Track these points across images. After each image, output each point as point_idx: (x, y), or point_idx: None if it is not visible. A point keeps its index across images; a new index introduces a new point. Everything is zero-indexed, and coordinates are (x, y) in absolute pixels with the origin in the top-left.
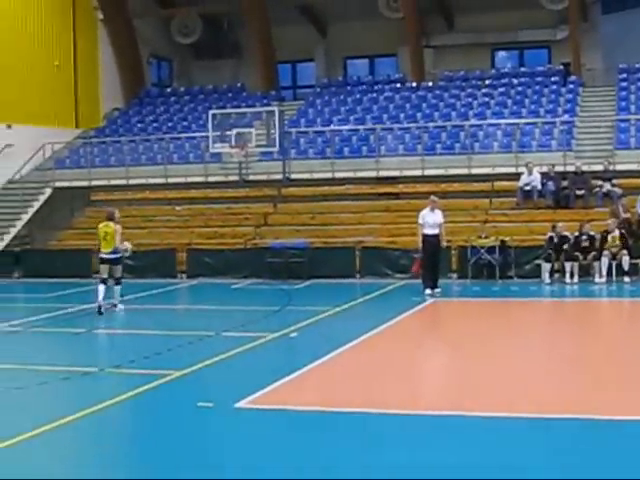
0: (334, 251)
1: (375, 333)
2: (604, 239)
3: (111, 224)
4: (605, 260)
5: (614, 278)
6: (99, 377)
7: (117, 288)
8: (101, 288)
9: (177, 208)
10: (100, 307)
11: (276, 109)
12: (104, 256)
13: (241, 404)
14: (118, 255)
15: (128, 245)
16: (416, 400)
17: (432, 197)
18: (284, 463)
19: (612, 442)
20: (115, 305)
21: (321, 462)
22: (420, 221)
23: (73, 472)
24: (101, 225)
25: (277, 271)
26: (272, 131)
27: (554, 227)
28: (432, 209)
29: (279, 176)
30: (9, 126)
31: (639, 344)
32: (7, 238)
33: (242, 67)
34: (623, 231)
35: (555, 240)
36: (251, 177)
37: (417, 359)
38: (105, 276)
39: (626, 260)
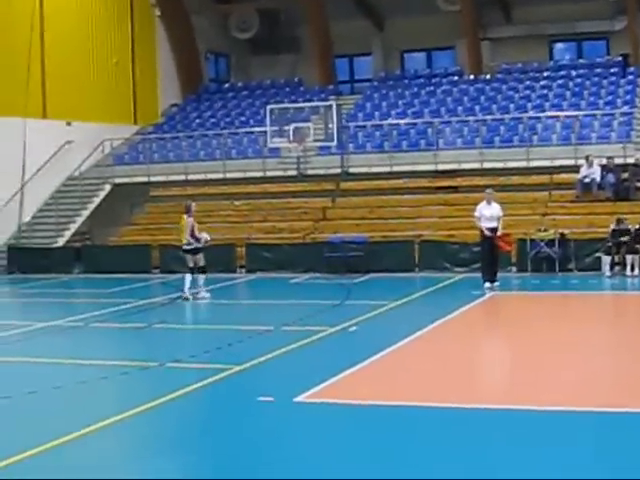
0: (392, 245)
1: (435, 327)
2: None
3: (184, 217)
4: None
5: None
6: (159, 372)
7: (200, 277)
8: (187, 277)
9: (236, 203)
10: (184, 295)
11: (334, 103)
12: (183, 247)
13: (300, 398)
14: (192, 246)
15: (205, 235)
16: (476, 394)
17: (487, 190)
18: (343, 458)
19: None
20: (198, 294)
21: (380, 457)
22: (476, 214)
23: (133, 467)
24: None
25: (335, 265)
26: (330, 125)
27: (619, 221)
28: (488, 202)
29: (337, 170)
30: (69, 123)
31: None
32: (67, 234)
33: (299, 62)
34: None
35: (618, 234)
36: (309, 171)
37: (477, 353)
38: (191, 265)
39: None
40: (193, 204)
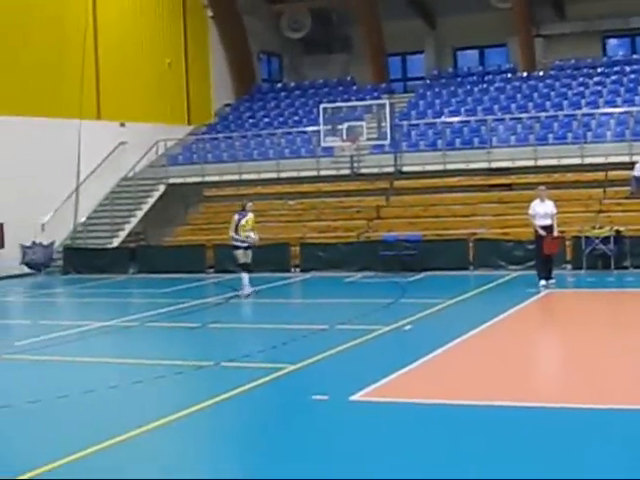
0: (447, 243)
1: (491, 325)
2: None
3: (235, 215)
4: None
5: None
6: (214, 371)
7: (242, 275)
8: (243, 275)
9: (290, 202)
10: (244, 293)
11: (387, 102)
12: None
13: (356, 397)
14: (236, 243)
15: (253, 236)
16: (532, 393)
17: (540, 187)
18: (398, 456)
19: None
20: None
21: (435, 456)
22: (531, 212)
23: (190, 465)
24: None
25: (390, 264)
26: (383, 124)
27: None
28: (542, 200)
29: (391, 169)
30: (122, 124)
31: None
32: (122, 234)
33: (352, 61)
34: None
35: None
36: (363, 170)
37: (532, 351)
38: (242, 261)
39: None
40: (249, 204)
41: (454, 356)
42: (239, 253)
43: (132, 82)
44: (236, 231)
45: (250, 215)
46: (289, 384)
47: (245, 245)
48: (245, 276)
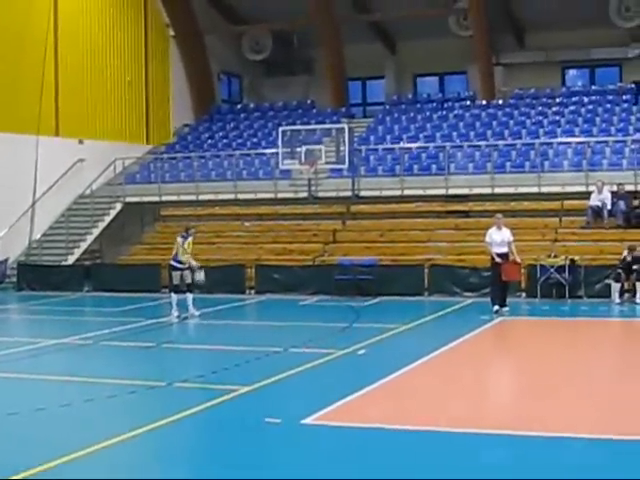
0: (403, 269)
1: (444, 351)
2: None
3: (178, 238)
4: None
5: None
6: (166, 391)
7: (188, 295)
8: (173, 296)
9: (246, 224)
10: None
11: (346, 126)
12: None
13: (308, 420)
14: (178, 265)
15: (193, 263)
16: (483, 419)
17: (497, 215)
18: None
19: None
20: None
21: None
22: (487, 239)
23: None
24: None
25: (345, 288)
26: (342, 148)
27: (632, 249)
28: (498, 227)
29: (348, 193)
30: (81, 141)
31: None
32: (77, 252)
33: (312, 84)
34: None
35: (628, 260)
36: (320, 194)
37: (485, 378)
38: (176, 282)
39: None
40: (192, 230)
41: (407, 381)
42: (176, 275)
43: (91, 99)
44: (177, 254)
45: (190, 238)
46: (242, 406)
47: (186, 267)
48: (175, 297)
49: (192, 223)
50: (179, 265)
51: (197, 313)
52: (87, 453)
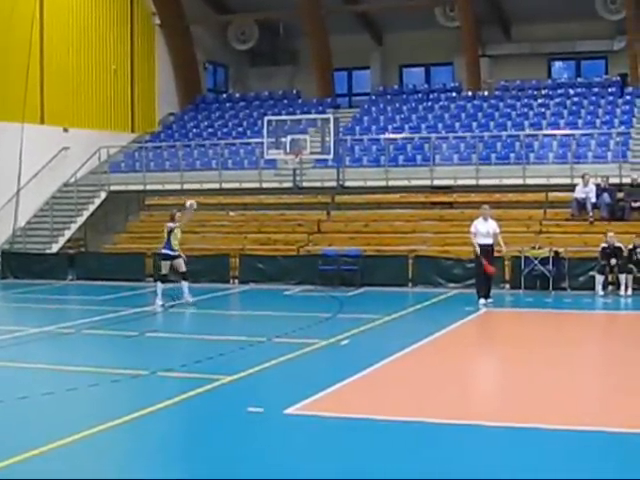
0: (387, 259)
1: (427, 342)
2: None
3: (168, 224)
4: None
5: None
6: (149, 380)
7: (183, 283)
8: (159, 285)
9: (231, 214)
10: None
11: (331, 116)
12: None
13: (291, 410)
14: (171, 252)
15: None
16: (465, 410)
17: (484, 206)
18: (329, 471)
19: None
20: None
21: (367, 471)
22: (473, 230)
23: (117, 475)
24: None
25: (329, 278)
26: (327, 138)
27: (609, 239)
28: (485, 218)
29: (333, 183)
30: (66, 129)
31: None
32: (62, 241)
33: (298, 74)
34: None
35: (608, 251)
36: (305, 184)
37: (467, 369)
38: (163, 272)
39: None
40: (178, 213)
41: (389, 372)
42: (166, 264)
43: (77, 88)
44: (168, 241)
45: (178, 224)
46: (225, 395)
47: (177, 254)
48: (161, 286)
49: (176, 210)
50: (171, 253)
51: (192, 300)
52: (70, 441)
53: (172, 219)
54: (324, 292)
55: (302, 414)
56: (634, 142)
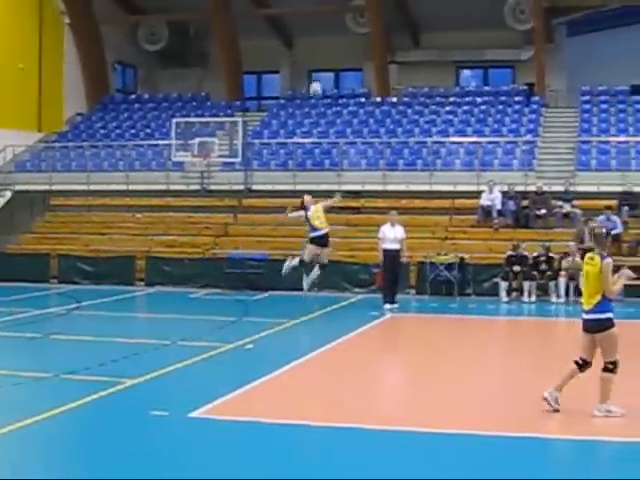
0: None
1: (332, 346)
2: (562, 259)
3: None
4: (562, 280)
5: (572, 298)
6: (53, 383)
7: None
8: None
9: (137, 215)
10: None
11: (240, 120)
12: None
13: (195, 414)
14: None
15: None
16: (366, 414)
17: (392, 212)
18: (232, 474)
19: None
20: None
21: (270, 474)
22: (380, 236)
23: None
24: None
25: (235, 282)
26: (235, 141)
27: (516, 246)
28: (392, 224)
29: (240, 187)
30: None
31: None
32: None
33: (207, 76)
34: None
35: (514, 259)
36: (212, 187)
37: (372, 373)
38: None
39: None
40: (307, 197)
41: (293, 376)
42: (312, 248)
43: None
44: (312, 224)
45: (313, 207)
46: (128, 399)
47: (322, 234)
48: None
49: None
50: (318, 233)
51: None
52: None
53: (302, 205)
54: (230, 296)
55: (206, 417)
56: (540, 151)
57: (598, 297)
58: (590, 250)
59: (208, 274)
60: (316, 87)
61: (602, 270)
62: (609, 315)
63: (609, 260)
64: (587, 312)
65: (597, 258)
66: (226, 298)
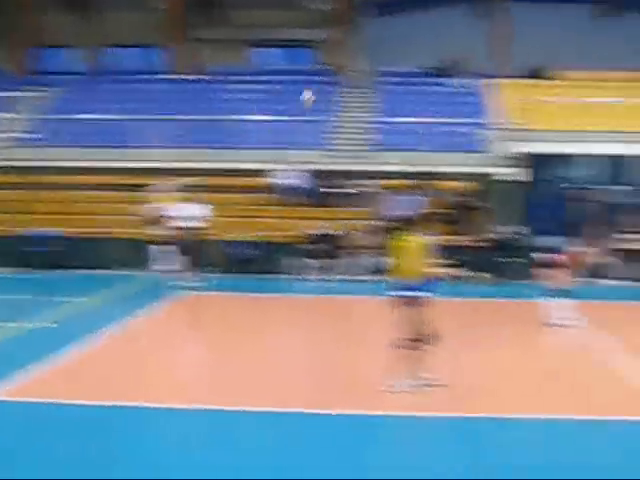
0: (90, 242)
1: (127, 325)
2: (349, 238)
3: None
4: (363, 258)
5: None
6: None
7: None
8: None
9: None
10: None
11: (34, 94)
12: None
13: None
14: None
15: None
16: (159, 393)
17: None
18: (23, 455)
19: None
20: None
21: (57, 456)
22: (175, 213)
23: None
24: None
25: (32, 260)
26: (29, 117)
27: (320, 227)
28: (188, 202)
29: (35, 163)
30: None
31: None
32: None
33: (1, 50)
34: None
35: (316, 237)
36: (6, 163)
37: (167, 352)
38: None
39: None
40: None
41: (92, 356)
42: None
43: None
44: None
45: None
46: None
47: None
48: None
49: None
50: None
51: None
52: None
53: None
54: (26, 274)
55: (1, 400)
56: (337, 130)
57: (412, 274)
58: (399, 228)
59: (3, 252)
60: (308, 96)
61: (418, 247)
62: (420, 292)
63: (426, 238)
64: (401, 289)
65: (412, 236)
66: (22, 277)
